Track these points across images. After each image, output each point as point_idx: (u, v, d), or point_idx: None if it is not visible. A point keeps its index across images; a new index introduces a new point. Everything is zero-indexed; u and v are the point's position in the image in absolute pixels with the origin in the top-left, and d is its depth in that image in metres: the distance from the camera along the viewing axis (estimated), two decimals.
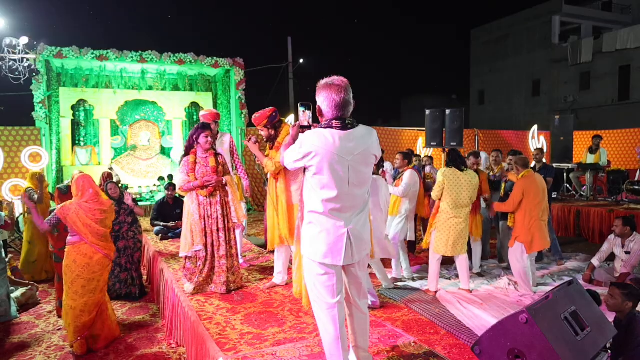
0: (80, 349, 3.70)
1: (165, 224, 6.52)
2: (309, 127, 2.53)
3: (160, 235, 6.37)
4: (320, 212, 2.26)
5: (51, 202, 6.42)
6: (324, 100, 2.25)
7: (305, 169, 2.33)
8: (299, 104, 2.57)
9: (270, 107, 3.96)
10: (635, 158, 11.62)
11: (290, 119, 10.95)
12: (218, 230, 3.98)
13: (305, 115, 2.51)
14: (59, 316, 4.49)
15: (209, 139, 4.00)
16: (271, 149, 3.96)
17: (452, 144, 9.42)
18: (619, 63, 20.19)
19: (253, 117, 3.97)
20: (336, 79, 2.27)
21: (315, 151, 2.20)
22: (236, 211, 4.17)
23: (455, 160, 4.60)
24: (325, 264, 2.28)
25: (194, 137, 4.00)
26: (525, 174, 4.69)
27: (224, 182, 4.04)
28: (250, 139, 3.96)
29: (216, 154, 4.10)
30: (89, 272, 3.72)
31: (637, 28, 19.71)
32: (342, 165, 2.22)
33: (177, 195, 6.98)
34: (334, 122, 2.24)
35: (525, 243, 4.59)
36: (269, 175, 4.03)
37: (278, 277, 4.16)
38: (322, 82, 2.28)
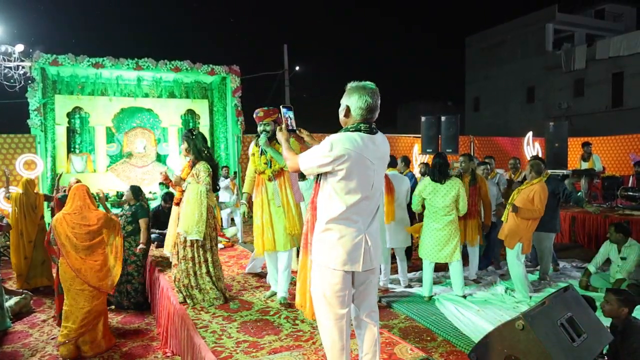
0: (68, 353, 3.72)
1: (160, 231, 6.48)
2: (293, 131, 2.53)
3: (155, 242, 6.34)
4: (341, 218, 2.21)
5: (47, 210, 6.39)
6: (356, 101, 2.22)
7: (320, 175, 2.26)
8: (281, 107, 2.55)
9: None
10: (629, 164, 11.70)
11: None
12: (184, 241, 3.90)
13: (289, 119, 2.50)
14: (58, 325, 4.45)
15: (183, 147, 4.00)
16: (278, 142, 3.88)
17: (447, 150, 9.47)
18: (612, 70, 20.36)
19: (266, 109, 3.85)
20: (368, 83, 2.26)
21: (348, 154, 2.15)
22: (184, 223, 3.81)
23: (433, 172, 4.65)
24: (344, 271, 2.23)
25: None
26: (541, 179, 4.70)
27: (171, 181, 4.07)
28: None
29: (193, 164, 3.96)
30: (79, 283, 3.75)
31: (629, 36, 19.91)
32: (369, 170, 2.21)
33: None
34: (362, 125, 2.22)
35: (525, 243, 4.64)
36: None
37: (274, 284, 4.14)
38: (354, 84, 2.27)
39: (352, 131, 2.22)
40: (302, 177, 4.87)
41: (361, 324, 2.41)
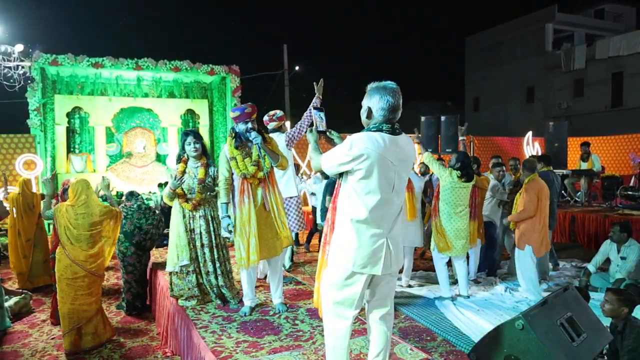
0: (69, 345, 3.79)
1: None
2: (324, 132, 2.53)
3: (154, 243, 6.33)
4: (361, 219, 2.19)
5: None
6: (378, 101, 2.21)
7: (342, 175, 2.26)
8: (313, 108, 2.56)
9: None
10: (628, 164, 11.70)
11: (287, 125, 10.93)
12: (202, 246, 3.77)
13: (319, 120, 2.51)
14: (53, 324, 4.48)
15: (194, 145, 3.73)
16: (265, 142, 3.53)
17: (447, 150, 9.47)
18: (612, 70, 20.37)
19: (252, 105, 3.52)
20: (389, 83, 2.25)
21: (367, 154, 2.13)
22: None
23: (465, 170, 4.59)
24: (360, 273, 2.21)
25: (181, 145, 3.82)
26: (534, 177, 4.71)
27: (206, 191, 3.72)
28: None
29: (208, 165, 3.82)
30: (71, 272, 3.82)
31: (629, 35, 19.93)
32: (390, 171, 2.19)
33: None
34: (383, 125, 2.21)
35: (534, 246, 4.62)
36: (236, 184, 3.58)
37: (248, 301, 3.70)
38: (375, 84, 2.26)
39: (374, 131, 2.20)
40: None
41: (374, 326, 2.39)
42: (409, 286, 5.17)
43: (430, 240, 4.89)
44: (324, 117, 2.52)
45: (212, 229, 3.84)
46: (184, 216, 3.81)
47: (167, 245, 6.24)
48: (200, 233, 3.78)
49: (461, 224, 4.60)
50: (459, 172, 4.54)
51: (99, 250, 3.97)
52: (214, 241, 3.83)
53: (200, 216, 3.79)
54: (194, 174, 3.79)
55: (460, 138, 5.34)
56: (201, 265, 3.82)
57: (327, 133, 2.51)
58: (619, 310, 3.03)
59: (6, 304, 4.58)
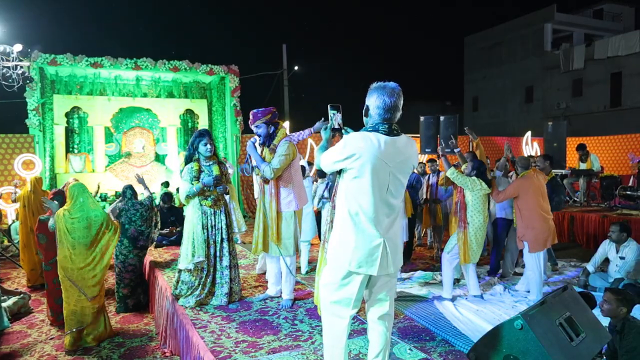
0: (70, 343, 3.84)
1: (159, 231, 6.49)
2: (339, 130, 2.53)
3: (154, 242, 6.34)
4: (356, 218, 2.20)
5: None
6: (375, 101, 2.23)
7: (341, 172, 2.29)
8: (329, 106, 2.57)
9: (271, 107, 3.94)
10: (627, 164, 11.71)
11: (285, 125, 10.94)
12: (222, 240, 3.93)
13: (335, 118, 2.52)
14: (52, 324, 4.48)
15: (209, 146, 3.91)
16: (267, 147, 3.80)
17: (446, 150, 9.47)
18: (611, 70, 20.39)
19: (254, 112, 3.80)
20: (390, 83, 2.26)
21: (360, 153, 2.15)
22: (237, 220, 4.22)
23: (485, 175, 4.59)
24: (357, 273, 2.22)
25: (193, 145, 3.93)
26: (524, 174, 4.75)
27: (226, 190, 3.99)
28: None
29: (219, 162, 4.03)
30: (80, 276, 3.85)
31: (628, 35, 19.94)
32: (383, 171, 2.19)
33: (172, 203, 6.96)
34: (380, 125, 2.21)
35: (528, 242, 4.62)
36: (257, 180, 4.01)
37: (272, 288, 4.09)
38: (376, 84, 2.28)
39: (370, 131, 2.22)
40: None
41: (373, 326, 2.40)
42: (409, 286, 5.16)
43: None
44: (339, 115, 2.53)
45: (229, 222, 4.08)
46: (203, 214, 3.90)
47: (166, 244, 6.28)
48: (222, 228, 3.94)
49: (485, 232, 4.60)
50: (481, 179, 4.58)
51: (95, 263, 3.92)
52: (230, 235, 4.03)
53: (222, 211, 3.97)
54: (208, 172, 3.92)
55: (456, 150, 5.36)
56: (217, 260, 3.94)
57: (343, 131, 2.52)
58: (617, 310, 3.03)
59: (4, 305, 4.57)
